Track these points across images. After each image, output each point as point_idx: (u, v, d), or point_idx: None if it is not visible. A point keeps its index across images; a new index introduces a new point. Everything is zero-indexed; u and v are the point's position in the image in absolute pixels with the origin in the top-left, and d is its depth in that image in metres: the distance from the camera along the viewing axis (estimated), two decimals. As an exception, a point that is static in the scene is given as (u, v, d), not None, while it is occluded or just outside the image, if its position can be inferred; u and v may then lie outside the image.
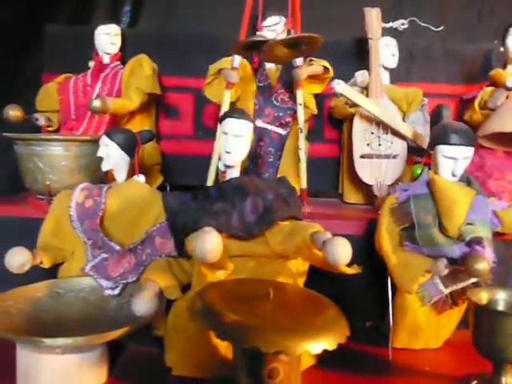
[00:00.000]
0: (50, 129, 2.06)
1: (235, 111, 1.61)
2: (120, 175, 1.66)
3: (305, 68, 1.84)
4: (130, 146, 1.65)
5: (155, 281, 1.45)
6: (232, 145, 1.54)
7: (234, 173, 1.60)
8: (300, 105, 1.86)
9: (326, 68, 1.90)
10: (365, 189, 2.07)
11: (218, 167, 1.73)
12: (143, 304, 1.35)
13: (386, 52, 2.10)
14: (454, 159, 1.57)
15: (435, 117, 1.73)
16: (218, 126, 1.75)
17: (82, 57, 2.19)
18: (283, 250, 1.46)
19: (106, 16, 2.70)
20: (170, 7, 2.61)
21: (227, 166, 1.59)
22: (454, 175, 1.58)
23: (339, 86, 1.84)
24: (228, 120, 1.55)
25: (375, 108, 1.92)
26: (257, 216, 1.47)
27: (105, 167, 1.65)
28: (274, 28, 1.96)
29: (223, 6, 2.46)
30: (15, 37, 2.67)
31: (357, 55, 2.24)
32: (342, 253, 1.23)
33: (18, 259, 1.45)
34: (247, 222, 1.46)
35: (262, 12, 1.90)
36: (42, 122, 2.00)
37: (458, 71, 2.35)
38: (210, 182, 1.84)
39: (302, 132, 1.86)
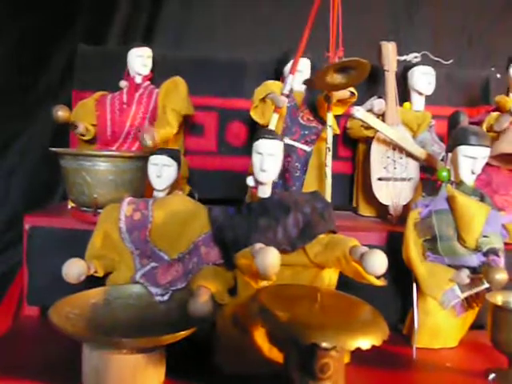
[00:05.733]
0: (83, 138, 2.15)
1: (268, 132, 1.72)
2: (165, 191, 1.78)
3: (335, 92, 2.00)
4: (180, 164, 1.79)
5: (207, 286, 1.55)
6: (267, 163, 1.66)
7: (266, 189, 1.72)
8: (330, 126, 2.01)
9: (352, 93, 2.06)
10: (378, 203, 2.23)
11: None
12: (200, 306, 1.46)
13: (424, 80, 2.26)
14: (473, 159, 1.73)
15: (453, 122, 1.90)
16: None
17: (110, 76, 2.32)
18: (322, 260, 1.60)
19: (122, 37, 2.83)
20: (190, 27, 2.75)
21: (260, 183, 1.71)
22: (473, 173, 1.75)
23: (359, 112, 2.02)
24: (262, 141, 1.68)
25: (393, 133, 2.09)
26: (298, 230, 1.61)
27: (162, 186, 1.76)
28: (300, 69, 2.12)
29: (243, 30, 2.62)
30: (32, 53, 2.78)
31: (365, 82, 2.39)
32: (379, 263, 1.40)
33: (76, 270, 1.54)
34: (291, 236, 1.60)
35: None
36: (80, 129, 2.09)
37: (460, 95, 2.55)
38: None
39: (329, 151, 2.01)
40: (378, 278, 1.49)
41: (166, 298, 1.63)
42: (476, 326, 1.80)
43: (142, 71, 2.24)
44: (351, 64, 1.86)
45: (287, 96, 2.02)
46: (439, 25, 3.06)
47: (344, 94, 2.02)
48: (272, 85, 2.10)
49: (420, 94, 2.31)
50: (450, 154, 1.82)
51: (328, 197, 2.02)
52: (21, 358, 1.58)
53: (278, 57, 2.20)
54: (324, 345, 1.23)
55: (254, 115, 2.09)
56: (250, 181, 1.72)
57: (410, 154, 2.15)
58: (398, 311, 1.90)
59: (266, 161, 1.66)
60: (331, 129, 2.02)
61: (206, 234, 1.70)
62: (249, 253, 1.46)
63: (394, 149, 2.15)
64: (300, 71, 2.13)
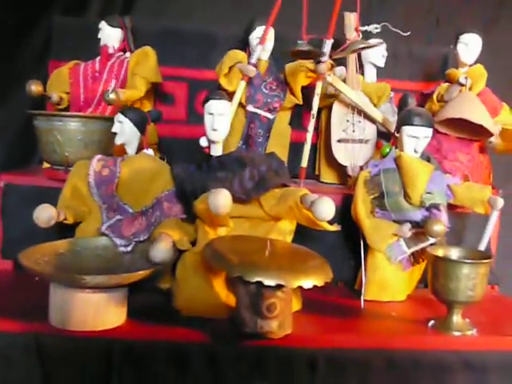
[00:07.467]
0: (59, 107, 2.26)
1: (216, 93, 1.84)
2: (131, 149, 1.89)
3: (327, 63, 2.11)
4: (141, 122, 1.88)
5: (168, 234, 1.67)
6: (218, 123, 1.78)
7: (218, 148, 1.85)
8: (317, 94, 2.14)
9: (332, 65, 2.19)
10: (339, 170, 2.37)
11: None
12: (160, 252, 1.58)
13: (377, 52, 2.37)
14: (416, 138, 1.87)
15: (402, 104, 2.05)
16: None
17: (86, 46, 2.42)
18: (277, 211, 1.72)
19: (101, 8, 2.89)
20: (166, 1, 2.83)
21: (212, 142, 1.83)
22: (416, 151, 1.88)
23: (330, 77, 2.16)
24: (212, 102, 1.79)
25: (356, 97, 2.23)
26: (254, 183, 1.73)
27: (118, 141, 1.87)
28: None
29: (216, 3, 2.72)
30: (12, 27, 2.85)
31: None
32: (327, 209, 1.51)
33: (47, 214, 1.64)
34: (246, 187, 1.71)
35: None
36: (54, 98, 2.20)
37: (420, 70, 2.68)
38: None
39: (313, 118, 2.14)
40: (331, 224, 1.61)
41: (129, 248, 1.75)
42: (426, 284, 1.91)
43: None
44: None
45: (254, 65, 2.15)
46: (409, 5, 3.15)
47: (327, 65, 2.14)
48: (238, 54, 2.22)
49: (374, 66, 2.41)
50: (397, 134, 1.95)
51: (305, 160, 2.15)
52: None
53: (245, 26, 2.32)
54: (267, 282, 1.35)
55: (223, 82, 2.21)
56: (202, 141, 1.84)
57: (369, 118, 2.28)
58: (354, 269, 2.02)
59: (217, 120, 1.78)
60: (318, 97, 2.14)
61: (168, 191, 1.82)
62: (205, 197, 1.57)
63: (352, 112, 2.29)
64: (266, 39, 2.22)
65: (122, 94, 2.11)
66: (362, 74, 2.44)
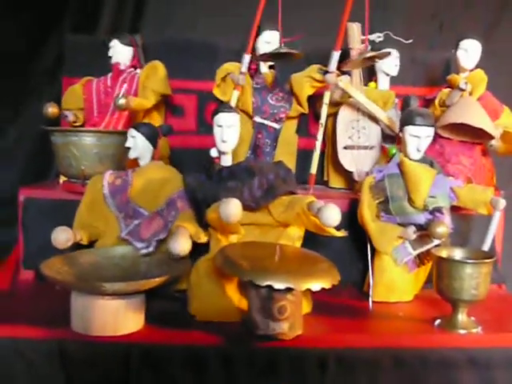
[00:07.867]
0: (75, 124, 2.35)
1: (225, 106, 1.93)
2: (143, 161, 1.97)
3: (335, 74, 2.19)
4: (153, 137, 1.96)
5: (185, 227, 1.74)
6: (227, 134, 1.87)
7: (227, 158, 1.92)
8: (326, 104, 2.23)
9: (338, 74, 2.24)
10: (346, 175, 2.43)
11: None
12: (178, 244, 1.64)
13: (391, 62, 2.42)
14: (418, 137, 1.93)
15: (404, 105, 2.11)
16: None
17: (97, 62, 2.51)
18: (285, 218, 1.79)
19: (111, 25, 2.98)
20: (172, 17, 2.91)
21: (222, 153, 1.91)
22: (418, 150, 1.94)
23: (342, 82, 2.23)
24: (221, 115, 1.88)
25: (366, 101, 2.30)
26: (262, 191, 1.80)
27: (132, 155, 1.95)
28: (269, 41, 2.31)
29: (221, 17, 2.79)
30: (24, 43, 2.94)
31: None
32: (333, 216, 1.57)
33: (65, 236, 1.73)
34: (255, 196, 1.79)
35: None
36: (70, 118, 2.30)
37: (423, 75, 2.74)
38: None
39: (322, 126, 2.23)
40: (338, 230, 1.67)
41: (150, 249, 1.82)
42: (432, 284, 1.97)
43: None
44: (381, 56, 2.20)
45: (253, 74, 2.26)
46: (412, 11, 3.20)
47: (335, 75, 2.21)
48: (232, 65, 2.30)
49: (387, 74, 2.47)
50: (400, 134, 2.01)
51: (314, 167, 2.24)
52: (19, 310, 1.76)
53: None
54: (277, 286, 1.42)
55: (217, 93, 2.30)
56: (213, 152, 1.93)
57: (377, 121, 2.36)
58: (361, 272, 2.07)
59: (226, 132, 1.86)
60: (326, 106, 2.23)
61: (180, 191, 1.90)
62: (216, 207, 1.64)
63: (357, 120, 2.36)
64: (269, 42, 2.31)
65: (131, 100, 2.20)
66: (376, 81, 2.49)
